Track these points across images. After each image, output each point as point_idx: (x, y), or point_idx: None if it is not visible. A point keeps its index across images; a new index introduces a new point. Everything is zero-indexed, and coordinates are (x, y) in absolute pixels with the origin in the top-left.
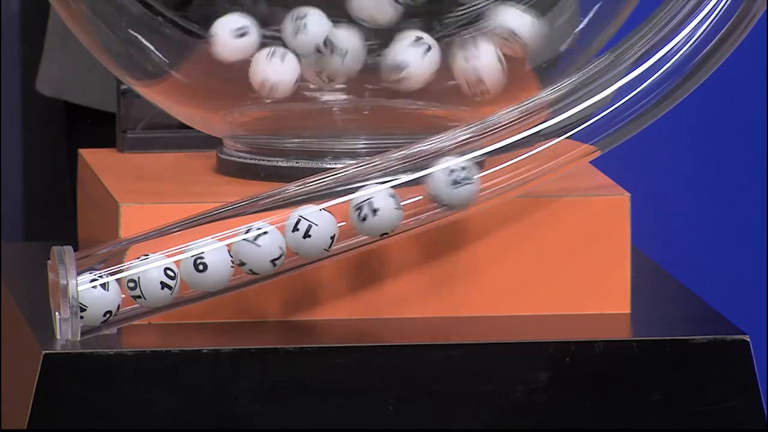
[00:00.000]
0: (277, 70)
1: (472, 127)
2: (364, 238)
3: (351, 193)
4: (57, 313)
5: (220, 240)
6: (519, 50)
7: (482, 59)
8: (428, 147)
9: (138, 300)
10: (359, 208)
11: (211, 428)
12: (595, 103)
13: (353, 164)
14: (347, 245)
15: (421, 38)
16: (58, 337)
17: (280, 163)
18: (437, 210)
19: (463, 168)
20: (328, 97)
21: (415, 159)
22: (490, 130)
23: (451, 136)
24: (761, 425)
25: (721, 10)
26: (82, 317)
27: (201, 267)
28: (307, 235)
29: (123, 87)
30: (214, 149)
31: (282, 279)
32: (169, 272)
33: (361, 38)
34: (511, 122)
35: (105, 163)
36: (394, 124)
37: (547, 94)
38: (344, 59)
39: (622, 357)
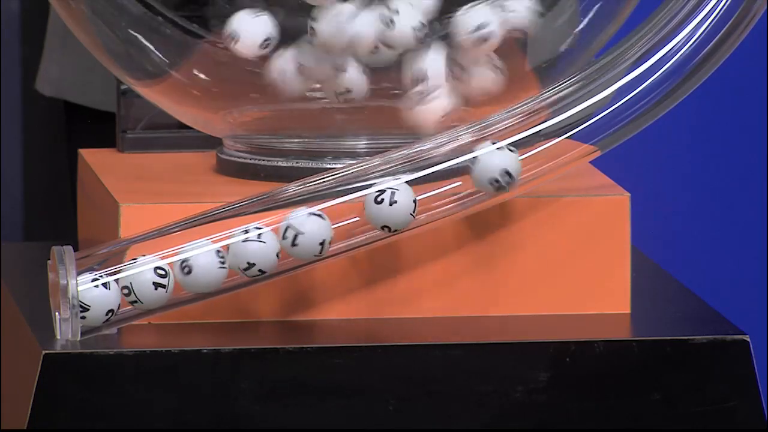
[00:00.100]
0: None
1: (472, 127)
2: (363, 238)
3: (351, 193)
4: (57, 313)
5: (214, 242)
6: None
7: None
8: (428, 147)
9: (136, 305)
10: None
11: (211, 428)
12: (595, 103)
13: (353, 164)
14: (346, 246)
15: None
16: (58, 337)
17: (280, 163)
18: (438, 210)
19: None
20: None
21: (415, 159)
22: (491, 130)
23: (452, 136)
24: (761, 425)
25: (721, 10)
26: (84, 317)
27: (186, 270)
28: (294, 243)
29: (123, 87)
30: (214, 149)
31: (282, 279)
32: (159, 271)
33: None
34: (511, 122)
35: (105, 163)
36: (394, 124)
37: (547, 94)
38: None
39: (622, 357)
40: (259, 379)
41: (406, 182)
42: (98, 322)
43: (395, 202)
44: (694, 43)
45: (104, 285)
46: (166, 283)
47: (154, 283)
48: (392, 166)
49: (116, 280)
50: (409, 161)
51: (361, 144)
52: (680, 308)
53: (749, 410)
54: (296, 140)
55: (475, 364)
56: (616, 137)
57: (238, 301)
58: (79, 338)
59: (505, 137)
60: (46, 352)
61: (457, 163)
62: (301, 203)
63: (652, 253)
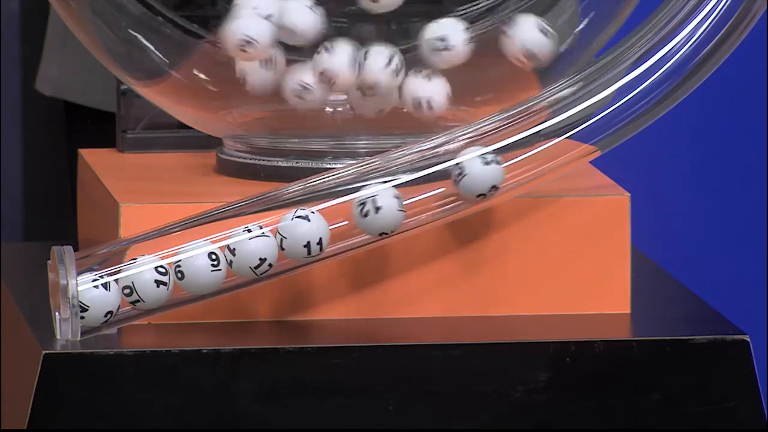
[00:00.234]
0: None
1: (472, 127)
2: (362, 239)
3: (351, 193)
4: (57, 313)
5: (214, 242)
6: (530, 65)
7: (528, 34)
8: (428, 147)
9: (137, 304)
10: (363, 203)
11: (211, 428)
12: (595, 103)
13: (353, 164)
14: (346, 245)
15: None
16: (58, 337)
17: (280, 163)
18: (437, 210)
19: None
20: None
21: (415, 159)
22: (490, 130)
23: (452, 136)
24: (761, 425)
25: (721, 10)
26: (83, 317)
27: (179, 275)
28: (281, 247)
29: (123, 87)
30: (214, 149)
31: (282, 279)
32: (160, 269)
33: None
34: (511, 122)
35: (105, 163)
36: (394, 124)
37: (547, 94)
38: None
39: (622, 357)
40: (258, 379)
41: (380, 182)
42: (98, 322)
43: (379, 208)
44: (694, 43)
45: (104, 285)
46: (167, 281)
47: (156, 281)
48: (392, 166)
49: (116, 281)
50: (409, 161)
51: (361, 144)
52: (680, 308)
53: (749, 410)
54: (296, 140)
55: (475, 364)
56: (616, 137)
57: (238, 301)
58: (79, 338)
59: (505, 137)
60: (46, 352)
61: (450, 167)
62: (301, 203)
63: (652, 253)
